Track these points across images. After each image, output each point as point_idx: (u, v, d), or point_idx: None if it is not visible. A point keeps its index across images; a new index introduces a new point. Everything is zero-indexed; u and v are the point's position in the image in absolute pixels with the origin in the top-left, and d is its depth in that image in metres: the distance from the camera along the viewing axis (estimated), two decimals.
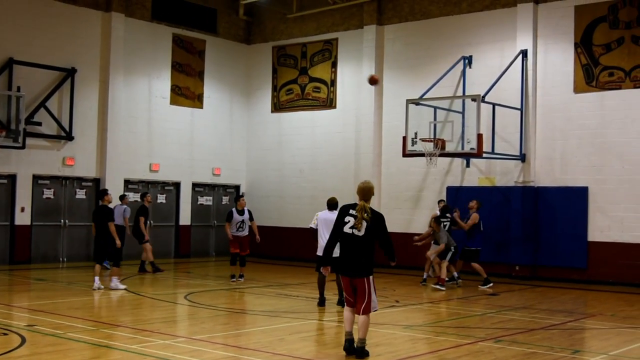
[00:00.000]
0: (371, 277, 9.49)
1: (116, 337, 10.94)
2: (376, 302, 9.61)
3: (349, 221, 9.50)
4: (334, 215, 12.29)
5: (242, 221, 18.54)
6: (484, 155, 19.33)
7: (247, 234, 18.78)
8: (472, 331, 12.09)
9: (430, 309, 14.76)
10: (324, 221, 13.65)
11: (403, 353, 10.21)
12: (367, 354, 9.52)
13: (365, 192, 9.64)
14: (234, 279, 18.40)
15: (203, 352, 9.73)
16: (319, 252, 13.51)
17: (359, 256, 9.41)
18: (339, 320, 12.18)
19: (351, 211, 9.56)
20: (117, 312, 13.93)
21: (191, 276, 20.28)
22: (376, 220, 9.48)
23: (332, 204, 14.05)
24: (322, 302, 14.25)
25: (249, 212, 18.89)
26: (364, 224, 9.39)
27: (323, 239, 13.38)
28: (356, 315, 9.56)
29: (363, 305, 9.41)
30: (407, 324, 12.82)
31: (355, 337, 9.60)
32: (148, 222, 20.86)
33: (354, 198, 24.17)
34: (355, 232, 9.42)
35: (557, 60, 20.62)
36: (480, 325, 12.74)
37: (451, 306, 15.23)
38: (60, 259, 22.43)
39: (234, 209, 18.62)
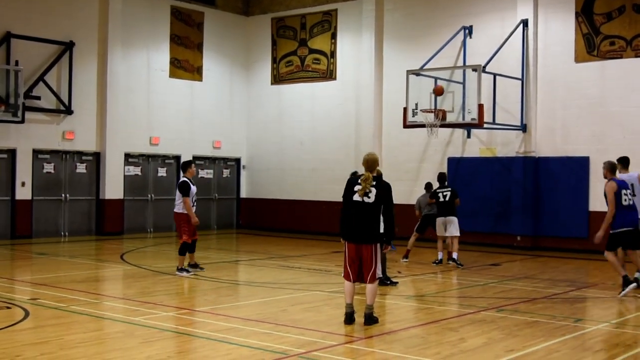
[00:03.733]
0: (378, 245, 9.68)
1: (119, 309, 10.96)
2: (380, 269, 9.82)
3: (357, 190, 9.68)
4: None
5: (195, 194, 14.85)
6: (485, 125, 19.28)
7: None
8: (474, 301, 12.12)
9: (433, 280, 14.78)
10: None
11: (405, 323, 10.24)
12: (375, 320, 9.74)
13: (370, 163, 9.84)
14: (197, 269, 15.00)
15: (206, 324, 9.76)
16: None
17: (368, 222, 9.58)
18: (341, 291, 12.19)
19: (359, 181, 9.75)
20: (119, 285, 13.96)
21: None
22: (382, 189, 9.68)
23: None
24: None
25: None
26: (373, 190, 9.59)
27: None
28: (364, 284, 9.78)
29: (370, 273, 9.61)
30: (410, 294, 12.84)
31: (357, 308, 9.65)
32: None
33: (354, 169, 24.15)
34: (366, 199, 9.60)
35: (558, 30, 20.50)
36: (483, 295, 12.76)
37: (453, 276, 15.26)
38: (62, 233, 22.45)
39: (186, 179, 14.65)
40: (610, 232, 12.53)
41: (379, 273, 9.72)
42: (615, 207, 12.45)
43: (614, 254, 12.70)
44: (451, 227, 16.74)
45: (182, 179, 14.74)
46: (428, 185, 17.80)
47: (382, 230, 9.80)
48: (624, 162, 14.04)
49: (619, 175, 13.33)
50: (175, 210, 14.85)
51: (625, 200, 12.52)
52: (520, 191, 20.76)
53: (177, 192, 14.69)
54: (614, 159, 18.97)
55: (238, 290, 13.46)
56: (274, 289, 13.11)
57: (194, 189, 14.71)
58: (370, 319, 9.69)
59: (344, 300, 9.94)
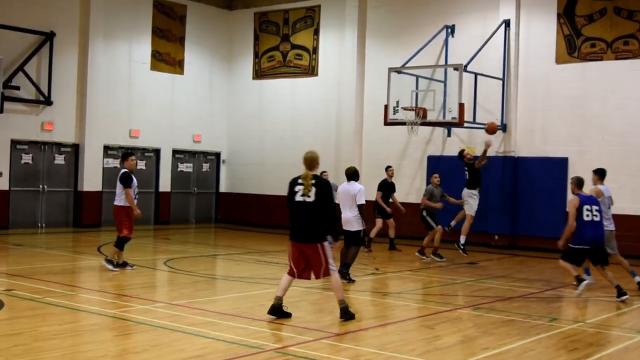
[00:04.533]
0: (326, 244, 9.64)
1: (95, 302, 10.91)
2: (334, 265, 9.72)
3: (299, 190, 9.69)
4: (350, 186, 13.06)
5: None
6: (465, 124, 19.34)
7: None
8: (451, 299, 12.17)
9: (410, 277, 14.82)
10: (343, 193, 13.21)
11: (382, 320, 10.27)
12: (351, 315, 9.69)
13: (309, 161, 9.80)
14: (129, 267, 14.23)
15: (182, 317, 9.73)
16: (344, 227, 13.16)
17: (311, 222, 9.57)
18: (320, 287, 12.21)
19: (299, 181, 9.75)
20: (96, 278, 13.88)
21: (171, 242, 20.25)
22: (320, 186, 9.63)
23: (350, 174, 13.27)
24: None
25: None
26: (313, 189, 9.57)
27: (345, 211, 13.11)
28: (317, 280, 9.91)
29: (322, 270, 9.63)
30: (387, 292, 12.87)
31: (331, 306, 9.64)
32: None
33: (334, 166, 24.19)
34: (306, 199, 9.60)
35: (540, 31, 20.60)
36: (460, 293, 12.82)
37: (431, 274, 15.31)
38: (39, 225, 22.30)
39: (127, 170, 14.09)
40: (570, 245, 12.39)
41: (331, 267, 9.63)
42: (577, 222, 12.28)
43: (567, 262, 12.47)
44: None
45: (123, 170, 14.09)
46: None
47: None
48: (601, 173, 13.79)
49: (595, 187, 13.39)
50: (116, 203, 14.10)
51: (588, 216, 12.21)
52: (499, 190, 20.85)
53: (118, 184, 14.02)
54: (592, 160, 19.28)
55: (215, 285, 13.43)
56: (251, 283, 13.10)
57: (135, 181, 14.13)
58: (346, 314, 9.66)
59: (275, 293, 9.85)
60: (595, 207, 12.39)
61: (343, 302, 9.71)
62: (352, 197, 12.93)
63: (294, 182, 9.83)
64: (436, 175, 18.03)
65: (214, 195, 27.37)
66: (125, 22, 24.13)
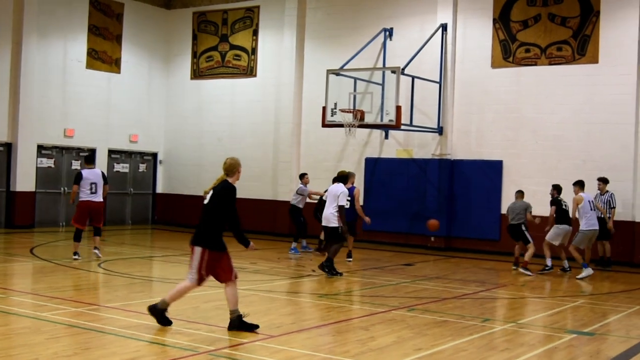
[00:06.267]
0: (206, 252, 9.08)
1: (26, 304, 10.70)
2: (193, 275, 9.15)
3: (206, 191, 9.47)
4: (335, 187, 14.92)
5: (95, 183, 15.72)
6: (402, 127, 19.51)
7: (101, 200, 15.90)
8: (386, 300, 12.26)
9: (347, 279, 14.87)
10: (329, 193, 15.13)
11: (316, 321, 10.29)
12: (235, 324, 9.14)
13: (226, 166, 9.45)
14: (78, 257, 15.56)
15: (115, 320, 9.61)
16: (322, 222, 15.15)
17: (200, 224, 9.19)
18: (256, 289, 12.18)
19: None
20: (28, 280, 13.62)
21: (106, 244, 19.94)
22: (218, 190, 9.27)
23: (339, 177, 15.31)
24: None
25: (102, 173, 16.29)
26: (211, 192, 9.30)
27: (326, 209, 14.93)
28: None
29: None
30: (323, 293, 12.91)
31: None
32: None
33: (272, 167, 24.18)
34: (205, 200, 9.32)
35: (476, 35, 20.90)
36: (395, 294, 12.92)
37: (367, 276, 15.40)
38: None
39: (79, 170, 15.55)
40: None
41: (191, 277, 9.13)
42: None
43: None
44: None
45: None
46: (520, 192, 17.46)
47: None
48: (581, 184, 16.60)
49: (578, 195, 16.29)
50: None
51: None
52: (435, 193, 21.09)
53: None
54: (526, 163, 19.71)
55: (150, 287, 13.29)
56: None
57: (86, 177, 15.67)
58: (232, 324, 9.16)
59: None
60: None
61: (234, 312, 9.19)
62: (333, 197, 14.79)
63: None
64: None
65: (150, 196, 27.08)
66: (60, 20, 23.71)
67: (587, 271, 15.80)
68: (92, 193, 15.52)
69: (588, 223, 16.17)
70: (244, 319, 9.20)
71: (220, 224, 9.18)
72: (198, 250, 9.14)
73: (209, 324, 9.52)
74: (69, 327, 9.09)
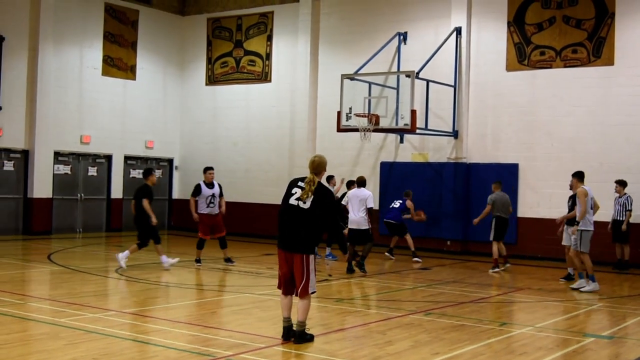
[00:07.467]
0: (311, 257, 8.81)
1: (45, 310, 10.75)
2: (314, 284, 8.90)
3: (296, 192, 8.92)
4: (360, 191, 15.87)
5: (213, 195, 16.80)
6: (418, 131, 19.48)
7: (217, 211, 16.97)
8: (402, 304, 12.24)
9: (363, 283, 14.88)
10: (353, 197, 15.94)
11: (334, 326, 10.29)
12: (305, 338, 8.86)
13: (316, 165, 8.99)
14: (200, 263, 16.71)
15: (134, 326, 9.65)
16: (351, 226, 15.85)
17: (300, 230, 8.78)
18: (272, 294, 12.20)
19: (300, 183, 8.98)
20: (46, 286, 13.71)
21: (123, 250, 20.01)
22: (320, 194, 8.85)
23: (360, 182, 16.23)
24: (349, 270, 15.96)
25: (219, 185, 17.25)
26: (311, 196, 8.82)
27: (354, 213, 15.78)
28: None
29: (301, 287, 8.75)
30: (339, 297, 12.91)
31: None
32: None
33: (287, 172, 24.18)
34: (301, 204, 8.83)
35: (490, 39, 20.87)
36: (411, 299, 12.90)
37: (383, 280, 15.39)
38: None
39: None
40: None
41: (312, 287, 8.80)
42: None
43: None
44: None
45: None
46: (498, 181, 17.92)
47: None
48: (581, 176, 14.80)
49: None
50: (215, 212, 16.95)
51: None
52: (451, 196, 21.06)
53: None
54: (542, 166, 19.65)
55: (167, 292, 13.33)
56: (203, 290, 13.04)
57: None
58: (301, 337, 8.80)
59: (281, 311, 9.15)
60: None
61: (302, 325, 8.81)
62: (360, 201, 15.69)
63: (293, 184, 9.05)
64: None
65: (166, 201, 27.17)
66: (76, 27, 23.85)
67: (594, 285, 14.09)
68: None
69: (591, 220, 14.33)
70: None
71: (322, 229, 9.01)
72: (304, 257, 8.80)
73: (226, 328, 9.54)
74: (87, 333, 9.13)
